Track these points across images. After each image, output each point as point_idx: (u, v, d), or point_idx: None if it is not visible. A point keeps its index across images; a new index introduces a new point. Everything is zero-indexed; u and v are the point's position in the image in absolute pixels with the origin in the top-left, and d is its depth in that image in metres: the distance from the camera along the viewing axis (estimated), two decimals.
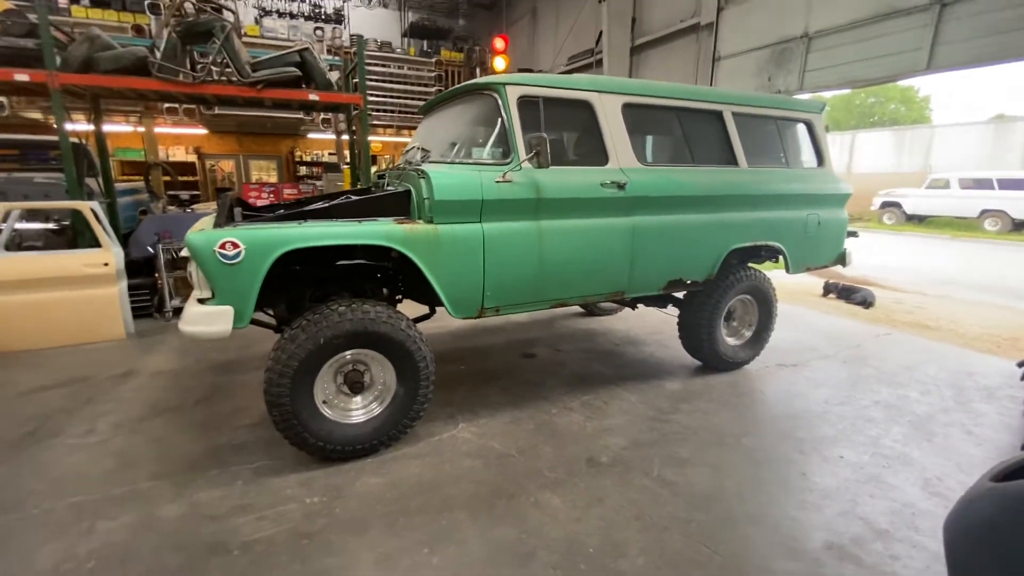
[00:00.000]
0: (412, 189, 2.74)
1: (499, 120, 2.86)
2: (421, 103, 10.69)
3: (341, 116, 8.83)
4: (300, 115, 9.71)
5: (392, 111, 10.82)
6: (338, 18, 12.31)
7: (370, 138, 6.17)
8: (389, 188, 3.03)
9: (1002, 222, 13.86)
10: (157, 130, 10.12)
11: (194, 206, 6.72)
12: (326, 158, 12.88)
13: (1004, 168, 15.57)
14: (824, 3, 5.87)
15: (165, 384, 3.63)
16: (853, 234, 4.31)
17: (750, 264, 3.92)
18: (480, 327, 5.08)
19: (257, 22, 11.15)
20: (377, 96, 10.51)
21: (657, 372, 3.94)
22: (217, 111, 8.27)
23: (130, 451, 2.75)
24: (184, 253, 2.35)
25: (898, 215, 16.18)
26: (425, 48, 13.19)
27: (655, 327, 5.10)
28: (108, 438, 2.88)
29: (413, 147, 3.46)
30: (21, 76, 4.43)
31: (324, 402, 2.56)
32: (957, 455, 2.79)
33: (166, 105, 8.14)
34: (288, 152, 13.03)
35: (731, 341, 3.92)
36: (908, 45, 5.12)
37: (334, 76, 5.77)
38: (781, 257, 3.88)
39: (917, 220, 16.00)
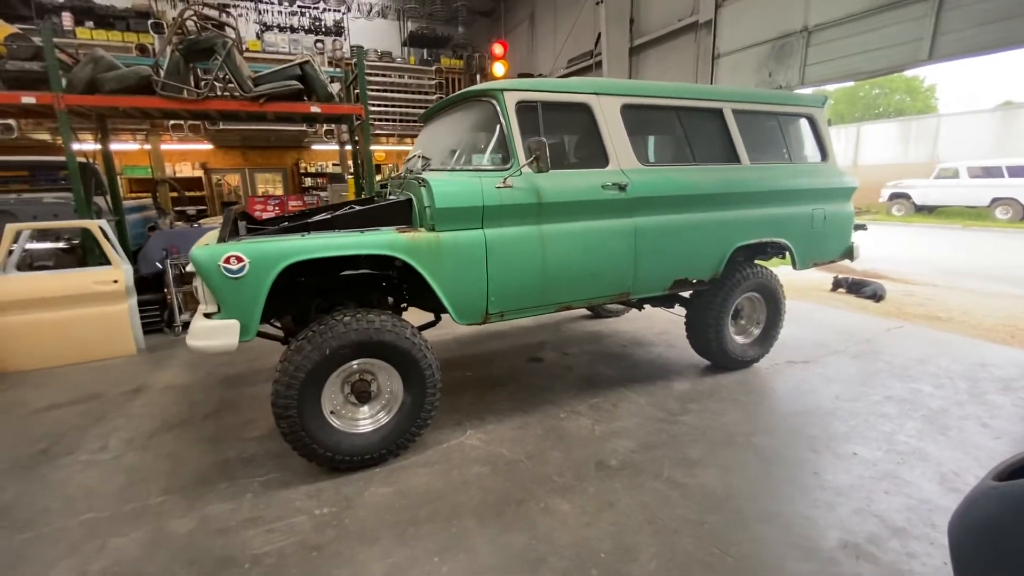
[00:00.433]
0: (414, 197, 2.75)
1: (498, 126, 2.86)
2: (422, 111, 10.82)
3: (344, 127, 8.90)
4: (303, 127, 9.81)
5: (394, 120, 10.89)
6: (338, 30, 12.43)
7: (373, 147, 6.21)
8: (391, 197, 3.05)
9: (1013, 210, 13.65)
10: (163, 147, 10.25)
11: (201, 221, 6.79)
12: (330, 169, 12.98)
13: (1013, 155, 15.35)
14: None
15: (175, 399, 3.66)
16: (861, 227, 4.26)
17: (756, 261, 3.89)
18: (485, 332, 5.07)
19: (259, 37, 11.29)
20: (379, 106, 10.59)
21: (665, 373, 3.91)
22: (221, 126, 8.37)
23: (141, 467, 2.77)
24: (190, 268, 2.37)
25: (907, 206, 16.00)
26: (425, 56, 13.28)
27: (662, 327, 5.07)
28: (120, 454, 2.90)
29: (414, 156, 3.48)
30: (28, 99, 4.51)
31: (332, 412, 2.56)
32: (974, 449, 2.74)
33: (171, 122, 8.26)
34: (293, 164, 13.16)
35: (739, 339, 3.88)
36: (909, 35, 5.08)
37: (335, 88, 5.82)
38: (788, 253, 3.85)
39: (927, 211, 15.81)
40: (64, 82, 4.59)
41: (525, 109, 2.87)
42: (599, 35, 9.13)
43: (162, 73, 4.79)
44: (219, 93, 5.00)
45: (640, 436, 2.95)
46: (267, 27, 11.67)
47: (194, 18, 5.20)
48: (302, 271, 2.61)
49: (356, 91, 5.83)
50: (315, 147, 12.50)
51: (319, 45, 11.48)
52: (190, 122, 8.06)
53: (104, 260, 4.51)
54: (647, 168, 3.20)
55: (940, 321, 5.19)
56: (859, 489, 2.40)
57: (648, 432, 2.99)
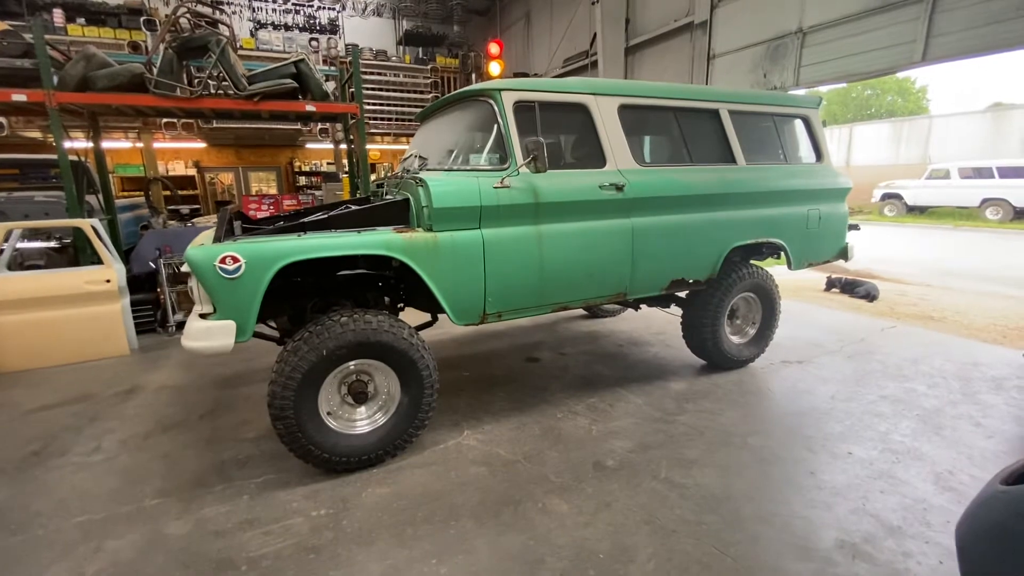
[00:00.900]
0: (411, 197, 2.74)
1: (495, 126, 2.86)
2: (418, 110, 10.77)
3: (338, 125, 8.86)
4: (297, 126, 9.75)
5: (389, 119, 10.85)
6: (333, 28, 12.37)
7: (368, 146, 6.19)
8: (388, 197, 3.03)
9: (1003, 211, 13.81)
10: (156, 145, 10.17)
11: (194, 220, 6.73)
12: (325, 168, 12.91)
13: (1003, 156, 15.52)
14: None
15: (169, 400, 3.63)
16: (854, 227, 4.29)
17: (752, 261, 3.91)
18: (482, 332, 5.07)
19: (252, 35, 11.21)
20: (374, 104, 10.54)
21: (662, 373, 3.92)
22: (215, 125, 8.30)
23: (136, 468, 2.74)
24: (185, 268, 2.34)
25: (899, 207, 16.14)
26: (420, 55, 13.24)
27: (659, 327, 5.08)
28: (114, 456, 2.88)
29: (410, 155, 3.47)
30: (19, 96, 4.45)
31: (329, 413, 2.55)
32: (968, 448, 2.76)
33: (164, 120, 8.19)
34: (287, 163, 13.08)
35: (735, 339, 3.90)
36: (903, 38, 5.12)
37: (330, 86, 5.79)
38: (783, 253, 3.87)
39: (918, 211, 15.96)
40: (56, 79, 4.54)
41: (523, 109, 2.87)
42: (595, 35, 9.13)
43: (155, 71, 4.75)
44: (213, 91, 4.96)
45: (637, 436, 2.95)
46: (261, 25, 11.59)
47: (188, 15, 5.16)
48: (298, 271, 2.59)
49: (351, 90, 5.80)
50: (309, 146, 12.42)
51: (314, 43, 11.41)
52: (183, 120, 7.99)
53: (96, 259, 4.46)
54: (644, 168, 3.21)
55: (933, 321, 5.23)
56: (855, 489, 2.42)
57: (645, 432, 3.00)
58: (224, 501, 2.43)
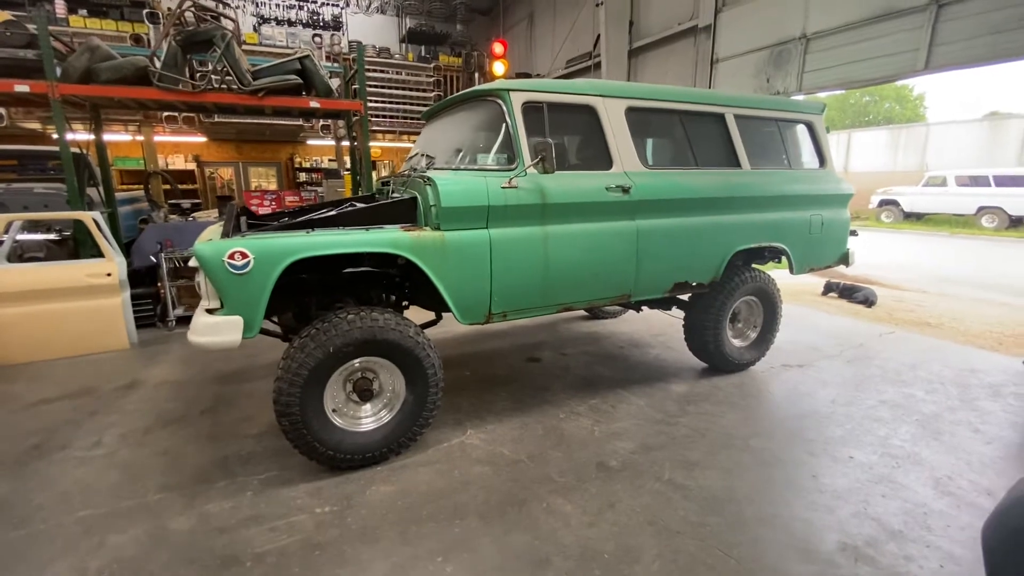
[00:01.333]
0: (418, 196, 2.74)
1: (503, 126, 2.86)
2: (420, 108, 10.78)
3: (340, 122, 8.83)
4: (300, 122, 9.72)
5: (391, 116, 10.83)
6: (336, 25, 12.33)
7: (370, 143, 6.18)
8: (395, 195, 3.03)
9: (999, 219, 13.92)
10: (156, 139, 10.12)
11: (195, 214, 6.70)
12: (326, 164, 12.88)
13: (1000, 165, 15.65)
14: (821, 4, 5.91)
15: (170, 395, 3.62)
16: (852, 233, 4.32)
17: (753, 265, 3.93)
18: (484, 331, 5.07)
19: (255, 30, 11.16)
20: (376, 102, 10.53)
21: (663, 375, 3.94)
22: (217, 119, 8.26)
23: (137, 463, 2.73)
24: (193, 263, 2.34)
25: (896, 213, 16.25)
26: (423, 53, 13.22)
27: (659, 329, 5.10)
28: (115, 450, 2.87)
29: (417, 154, 3.47)
30: (21, 87, 4.42)
31: (334, 410, 2.55)
32: (966, 454, 2.79)
33: (165, 114, 8.14)
34: (287, 159, 13.04)
35: (736, 343, 3.92)
36: (905, 46, 5.15)
37: (334, 83, 5.78)
38: (785, 258, 3.89)
39: (915, 218, 16.08)
40: (59, 71, 4.51)
41: (531, 110, 2.87)
42: (598, 36, 9.14)
43: (159, 64, 4.73)
44: (217, 86, 4.94)
45: (640, 437, 2.97)
46: (264, 20, 11.54)
47: (192, 9, 5.14)
48: (304, 268, 2.59)
49: (355, 87, 5.79)
50: (310, 142, 12.40)
51: (317, 39, 11.38)
52: (185, 114, 7.95)
53: (97, 252, 4.44)
54: (650, 171, 3.22)
55: (930, 327, 5.27)
56: (856, 492, 2.44)
57: (647, 433, 3.01)
58: (227, 497, 2.42)
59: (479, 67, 11.54)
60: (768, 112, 3.81)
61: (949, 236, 13.47)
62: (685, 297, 3.87)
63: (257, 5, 11.52)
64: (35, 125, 8.82)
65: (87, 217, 4.40)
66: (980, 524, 2.19)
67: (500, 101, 2.89)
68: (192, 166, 11.92)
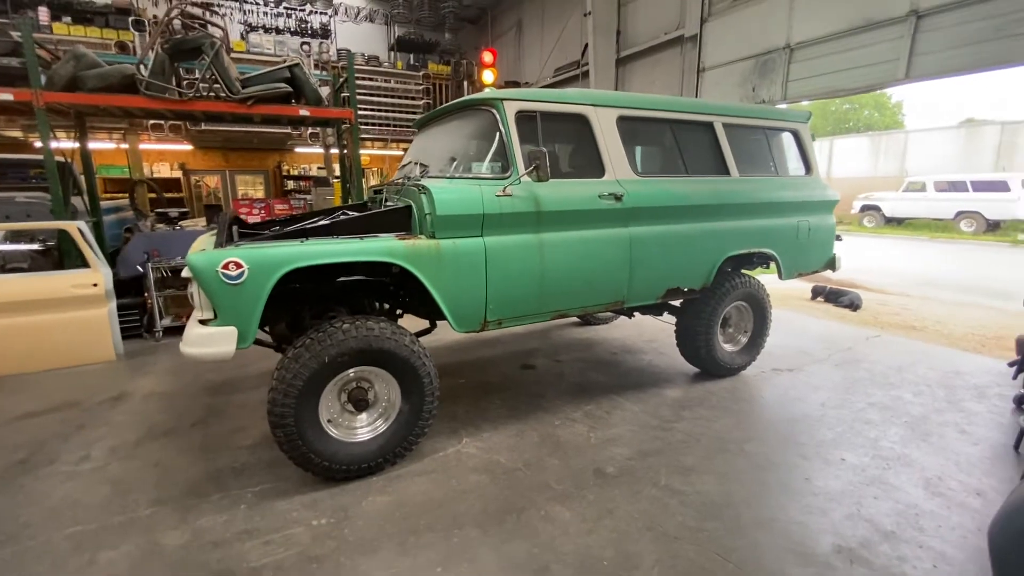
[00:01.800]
0: (413, 204, 2.75)
1: (497, 135, 2.88)
2: (409, 116, 10.78)
3: (329, 130, 8.80)
4: (288, 130, 9.67)
5: (380, 124, 10.83)
6: (325, 33, 12.33)
7: (360, 151, 6.17)
8: (388, 204, 3.03)
9: (977, 223, 14.27)
10: (142, 147, 9.99)
11: (182, 223, 6.62)
12: (314, 172, 12.82)
13: (976, 170, 16.07)
14: (805, 15, 6.05)
15: (159, 406, 3.56)
16: (837, 238, 4.41)
17: (743, 271, 3.98)
18: (477, 339, 5.07)
19: (243, 37, 11.11)
20: (365, 110, 10.52)
21: (656, 380, 3.96)
22: (204, 127, 8.20)
23: (127, 477, 2.68)
24: (186, 273, 2.31)
25: (877, 218, 16.58)
26: (412, 62, 13.26)
27: (651, 335, 5.14)
28: (104, 464, 2.81)
29: (410, 162, 3.47)
30: (5, 95, 4.35)
31: (329, 421, 2.53)
32: (955, 455, 2.84)
33: (151, 122, 8.07)
34: (275, 167, 12.96)
35: (728, 347, 3.96)
36: (886, 56, 5.29)
37: (324, 91, 5.77)
38: (773, 263, 3.95)
39: (896, 223, 16.41)
40: (43, 79, 4.45)
41: (525, 118, 2.90)
42: (586, 45, 9.25)
43: (146, 72, 4.69)
44: (205, 94, 4.91)
45: (635, 443, 2.98)
46: (252, 28, 11.50)
47: (180, 17, 5.11)
48: (298, 277, 2.58)
49: (344, 95, 5.79)
50: (298, 150, 12.33)
51: (305, 47, 11.37)
52: (171, 122, 7.88)
53: (82, 263, 4.36)
54: (642, 179, 3.26)
55: (915, 330, 5.38)
56: (849, 494, 2.47)
57: (643, 439, 3.03)
58: (221, 511, 2.38)
59: (468, 75, 11.59)
60: (755, 121, 3.88)
61: (929, 240, 13.78)
62: (677, 303, 3.91)
63: (245, 13, 11.48)
64: (16, 133, 8.67)
65: (72, 227, 4.32)
66: (971, 525, 2.24)
67: (494, 110, 2.91)
68: (178, 174, 11.80)
